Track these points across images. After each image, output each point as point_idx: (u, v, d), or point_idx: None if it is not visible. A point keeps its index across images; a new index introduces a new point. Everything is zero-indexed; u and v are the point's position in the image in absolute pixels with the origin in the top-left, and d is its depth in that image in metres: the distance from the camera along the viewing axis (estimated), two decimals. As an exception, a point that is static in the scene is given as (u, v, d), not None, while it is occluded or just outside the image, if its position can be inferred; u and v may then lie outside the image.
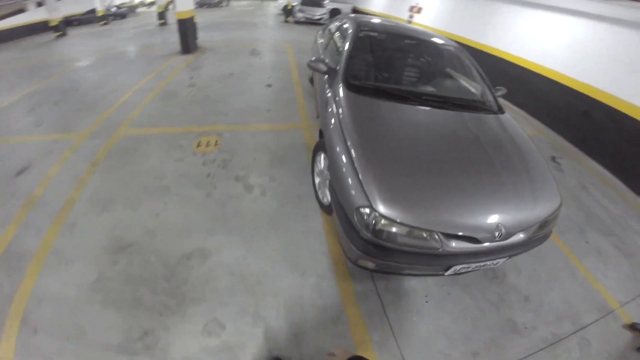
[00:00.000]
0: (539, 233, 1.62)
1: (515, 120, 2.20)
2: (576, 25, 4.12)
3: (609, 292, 2.05)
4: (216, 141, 3.10)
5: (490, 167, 1.67)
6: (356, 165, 1.53)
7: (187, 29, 6.60)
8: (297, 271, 1.90)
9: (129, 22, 13.81)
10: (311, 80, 4.49)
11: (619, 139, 3.47)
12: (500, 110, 2.24)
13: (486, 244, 1.46)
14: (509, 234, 1.48)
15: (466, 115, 2.05)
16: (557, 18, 4.40)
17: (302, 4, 12.49)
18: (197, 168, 2.72)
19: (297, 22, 12.45)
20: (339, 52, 2.65)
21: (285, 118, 3.69)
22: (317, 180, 2.38)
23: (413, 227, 1.38)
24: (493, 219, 1.46)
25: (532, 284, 2.02)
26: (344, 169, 1.58)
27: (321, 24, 12.41)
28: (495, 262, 1.57)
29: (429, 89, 2.42)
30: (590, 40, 3.91)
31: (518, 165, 1.75)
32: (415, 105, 2.04)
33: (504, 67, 5.15)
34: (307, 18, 12.10)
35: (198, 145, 3.04)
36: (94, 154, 2.86)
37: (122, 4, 18.64)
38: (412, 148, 1.68)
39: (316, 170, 2.36)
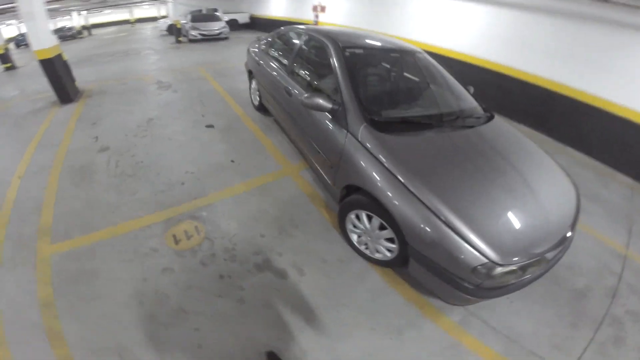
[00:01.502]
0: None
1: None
2: (476, 11, 5.26)
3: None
4: (196, 227, 2.50)
5: (524, 177, 1.85)
6: (450, 222, 1.51)
7: (57, 71, 5.12)
8: (393, 333, 1.89)
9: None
10: (260, 108, 4.18)
11: (527, 101, 4.77)
12: (492, 115, 2.44)
13: (560, 246, 1.66)
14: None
15: (480, 129, 2.19)
16: (459, 5, 5.50)
17: (193, 20, 11.61)
18: (199, 272, 2.15)
19: (193, 41, 11.46)
20: (323, 80, 2.54)
21: (260, 166, 3.27)
22: (354, 237, 2.26)
23: (527, 262, 1.50)
24: (560, 221, 1.70)
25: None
26: (432, 231, 1.55)
27: (223, 39, 11.83)
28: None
29: (441, 108, 2.48)
30: (494, 24, 5.09)
31: (539, 169, 2.02)
32: (442, 130, 2.08)
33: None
34: (204, 35, 11.27)
35: (176, 242, 2.37)
36: (34, 297, 1.93)
37: None
38: (470, 179, 1.73)
39: (350, 228, 2.24)
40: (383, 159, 1.78)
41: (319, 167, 2.51)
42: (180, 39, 11.61)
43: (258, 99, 4.16)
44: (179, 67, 7.51)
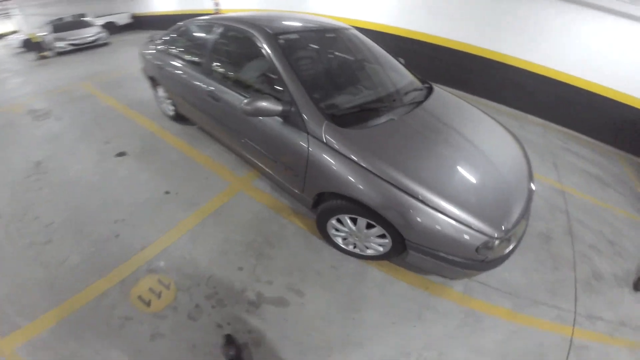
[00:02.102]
0: None
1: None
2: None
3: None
4: (159, 280, 2.00)
5: (480, 148, 1.92)
6: (444, 208, 1.50)
7: None
8: (413, 320, 1.93)
9: None
10: (178, 118, 3.59)
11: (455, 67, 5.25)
12: (431, 86, 2.54)
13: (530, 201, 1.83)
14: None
15: (428, 106, 2.19)
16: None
17: (56, 30, 9.62)
18: (193, 328, 1.77)
19: (62, 53, 9.45)
20: (257, 78, 2.23)
21: (203, 189, 2.76)
22: (339, 240, 2.15)
23: (515, 226, 1.60)
24: (521, 179, 1.87)
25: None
26: (429, 222, 1.53)
27: (102, 45, 10.12)
28: None
29: (389, 87, 2.40)
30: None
31: (488, 134, 2.19)
32: (397, 111, 2.03)
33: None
34: (76, 44, 9.38)
35: (147, 304, 1.87)
36: None
37: None
38: (440, 161, 1.74)
39: (334, 233, 2.11)
40: (356, 158, 1.65)
41: (277, 177, 2.25)
42: (45, 53, 9.46)
43: (172, 108, 3.52)
44: (55, 86, 5.98)
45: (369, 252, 2.05)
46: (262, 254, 2.16)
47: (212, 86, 2.40)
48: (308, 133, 1.78)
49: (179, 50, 3.00)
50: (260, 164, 2.36)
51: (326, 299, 1.95)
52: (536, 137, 4.28)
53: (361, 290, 2.02)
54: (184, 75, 2.75)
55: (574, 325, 2.06)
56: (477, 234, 1.48)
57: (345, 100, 2.04)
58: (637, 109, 4.59)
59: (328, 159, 1.72)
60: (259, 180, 2.82)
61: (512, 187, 1.76)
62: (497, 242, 1.51)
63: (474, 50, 5.06)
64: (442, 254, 1.60)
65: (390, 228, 1.68)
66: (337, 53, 2.65)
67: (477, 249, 1.51)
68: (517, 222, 1.59)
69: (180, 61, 2.88)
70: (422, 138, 1.85)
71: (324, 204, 1.94)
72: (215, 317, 1.82)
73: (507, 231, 1.52)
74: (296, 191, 2.11)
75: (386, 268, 2.16)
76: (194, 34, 2.90)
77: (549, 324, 2.03)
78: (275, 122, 1.95)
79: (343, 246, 2.15)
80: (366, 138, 1.74)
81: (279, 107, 1.78)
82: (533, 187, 1.91)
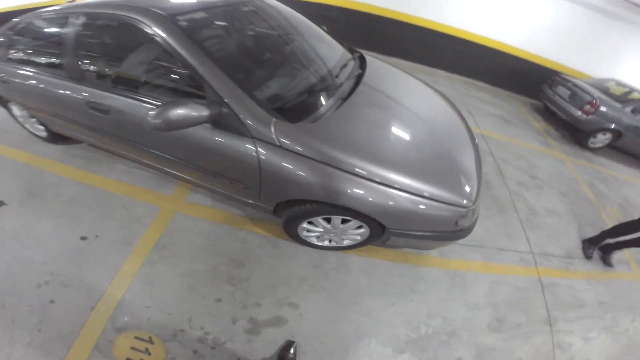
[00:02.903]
0: None
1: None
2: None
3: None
4: (137, 338, 1.54)
5: (424, 119, 1.97)
6: (420, 190, 1.49)
7: None
8: (408, 294, 1.95)
9: None
10: (53, 137, 2.62)
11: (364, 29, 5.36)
12: (362, 55, 2.46)
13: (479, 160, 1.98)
14: None
15: (368, 81, 2.05)
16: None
17: None
18: None
19: None
20: (154, 75, 1.75)
21: (129, 221, 2.11)
22: (314, 240, 1.98)
23: (478, 196, 1.68)
24: (465, 141, 1.97)
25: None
26: (408, 207, 1.50)
27: None
28: None
29: (327, 65, 2.13)
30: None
31: (425, 101, 2.24)
32: (341, 91, 1.86)
33: None
34: None
35: None
36: None
37: None
38: (397, 141, 1.71)
39: (306, 235, 1.93)
40: (324, 158, 1.45)
41: (221, 191, 1.91)
42: None
43: (42, 127, 2.61)
44: None
45: (347, 242, 1.95)
46: (234, 277, 1.84)
47: (90, 94, 1.81)
48: (253, 137, 1.46)
49: (26, 54, 2.16)
50: (193, 181, 1.95)
51: (321, 301, 1.84)
52: (447, 89, 4.76)
53: (351, 281, 1.98)
54: (42, 85, 2.01)
55: (536, 266, 2.49)
56: (455, 208, 1.53)
57: (287, 88, 1.74)
58: (523, 59, 5.76)
59: (288, 165, 1.46)
60: (194, 192, 2.35)
61: (467, 154, 1.84)
62: (471, 210, 1.58)
63: (384, 12, 5.27)
64: (422, 233, 1.64)
65: (368, 219, 1.61)
66: (259, 29, 2.26)
67: (456, 222, 1.58)
68: (479, 186, 1.71)
69: (31, 68, 2.08)
70: (377, 119, 1.76)
71: (290, 211, 1.72)
72: (220, 357, 1.56)
73: (476, 198, 1.62)
74: (250, 201, 1.83)
75: (365, 252, 2.15)
76: (43, 30, 2.08)
77: (517, 269, 2.41)
78: (203, 130, 1.53)
79: (319, 244, 2.01)
80: (325, 131, 1.54)
81: (204, 112, 1.35)
82: (477, 142, 2.07)
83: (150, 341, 1.56)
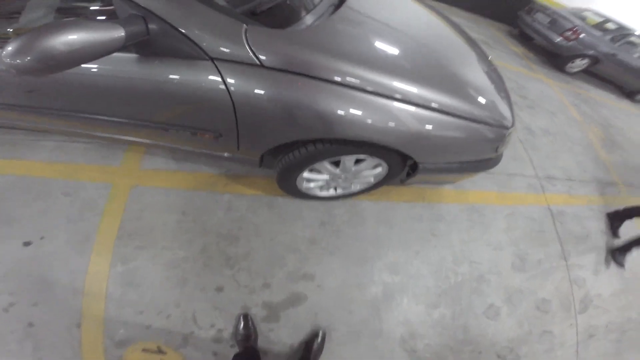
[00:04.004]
0: None
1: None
2: None
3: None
4: (144, 348, 1.21)
5: (425, 42, 1.48)
6: (462, 111, 1.18)
7: None
8: (430, 236, 1.82)
9: None
10: None
11: None
12: None
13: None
14: None
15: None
16: None
17: None
18: None
19: None
20: None
21: (77, 210, 1.53)
22: (317, 191, 1.64)
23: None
24: (480, 59, 1.60)
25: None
26: (452, 133, 1.19)
27: None
28: None
29: None
30: None
31: (417, 20, 1.79)
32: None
33: None
34: None
35: None
36: None
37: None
38: (420, 56, 1.31)
39: (307, 187, 1.56)
40: (331, 72, 1.02)
41: (184, 147, 1.39)
42: None
43: None
44: None
45: (357, 187, 1.64)
46: (230, 257, 1.47)
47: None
48: (212, 59, 0.96)
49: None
50: (142, 142, 1.41)
51: (339, 264, 1.56)
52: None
53: (367, 233, 1.71)
54: None
55: (544, 192, 2.44)
56: (499, 130, 1.27)
57: None
58: None
59: (277, 92, 1.00)
60: (150, 156, 1.78)
61: (492, 74, 1.51)
62: (511, 131, 1.33)
63: None
64: (458, 165, 1.36)
65: (390, 154, 1.28)
66: None
67: (497, 147, 1.33)
68: (512, 106, 1.45)
69: None
70: (385, 38, 1.31)
71: (286, 159, 1.31)
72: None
73: (513, 118, 1.36)
74: (225, 154, 1.36)
75: (376, 196, 1.87)
76: None
77: (528, 197, 2.34)
78: (127, 64, 1.00)
79: (322, 194, 1.66)
80: (322, 41, 1.09)
81: (115, 33, 0.78)
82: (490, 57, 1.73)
83: (161, 351, 1.22)
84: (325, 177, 1.46)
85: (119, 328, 1.24)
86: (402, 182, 1.55)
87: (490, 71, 1.50)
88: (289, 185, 1.50)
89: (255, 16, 1.06)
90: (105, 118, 1.22)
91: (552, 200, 2.39)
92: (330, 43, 1.10)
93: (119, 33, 0.79)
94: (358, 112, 1.04)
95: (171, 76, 0.99)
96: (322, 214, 1.71)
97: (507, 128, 1.28)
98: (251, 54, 0.95)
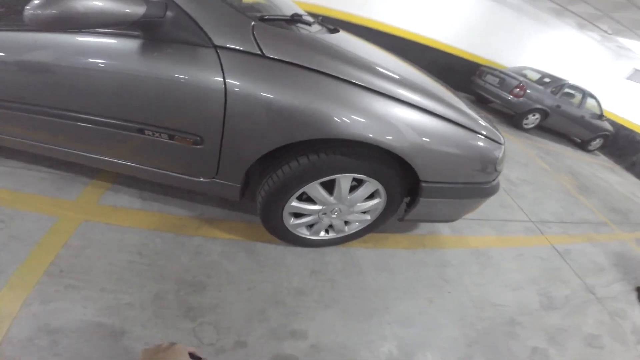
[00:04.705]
0: None
1: None
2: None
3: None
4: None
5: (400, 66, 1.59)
6: (458, 120, 1.17)
7: None
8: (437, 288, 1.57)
9: None
10: None
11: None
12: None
13: None
14: None
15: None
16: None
17: None
18: None
19: None
20: None
21: (12, 239, 1.27)
22: (304, 231, 1.41)
23: None
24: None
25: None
26: (452, 144, 1.16)
27: None
28: None
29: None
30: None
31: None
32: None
33: None
34: None
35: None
36: None
37: None
38: (407, 75, 1.39)
39: (294, 223, 1.33)
40: (333, 69, 1.01)
41: (155, 164, 1.21)
42: None
43: None
44: None
45: (351, 228, 1.43)
46: (192, 307, 1.09)
47: None
48: (216, 46, 0.94)
49: None
50: (107, 159, 1.22)
51: (337, 319, 1.21)
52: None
53: (368, 282, 1.42)
54: None
55: (543, 234, 2.37)
56: (494, 143, 1.25)
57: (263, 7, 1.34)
58: (451, 54, 6.17)
59: (273, 79, 0.96)
60: (112, 192, 1.50)
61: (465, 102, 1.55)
62: (503, 150, 1.32)
63: (310, 8, 5.11)
64: (460, 185, 1.28)
65: (387, 173, 1.18)
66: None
67: (495, 166, 1.29)
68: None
69: None
70: (372, 57, 1.35)
71: (271, 182, 1.13)
72: None
73: (502, 138, 1.35)
74: (201, 180, 1.18)
75: (371, 243, 1.63)
76: None
77: (529, 240, 2.26)
78: (125, 46, 0.95)
79: (313, 237, 1.41)
80: (317, 41, 1.14)
81: (139, 9, 0.82)
82: None
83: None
84: (316, 208, 1.24)
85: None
86: (401, 220, 1.41)
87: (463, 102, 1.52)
88: (274, 220, 1.27)
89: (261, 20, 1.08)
90: (83, 115, 1.06)
91: (554, 241, 2.28)
92: (332, 47, 1.16)
93: (141, 9, 0.83)
94: (359, 109, 1.00)
95: (170, 62, 0.94)
96: (311, 261, 1.41)
97: (500, 143, 1.28)
98: (255, 43, 0.96)
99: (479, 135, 1.19)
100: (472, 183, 1.31)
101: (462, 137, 1.16)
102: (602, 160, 6.18)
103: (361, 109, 1.00)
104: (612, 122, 6.56)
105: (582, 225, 2.71)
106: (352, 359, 1.09)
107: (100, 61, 0.95)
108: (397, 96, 1.05)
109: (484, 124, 1.25)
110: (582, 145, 6.10)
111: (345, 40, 1.43)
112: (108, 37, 0.95)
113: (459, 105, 1.26)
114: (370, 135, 1.00)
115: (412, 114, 1.06)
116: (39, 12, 0.72)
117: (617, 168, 6.05)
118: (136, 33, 0.93)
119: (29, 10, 0.72)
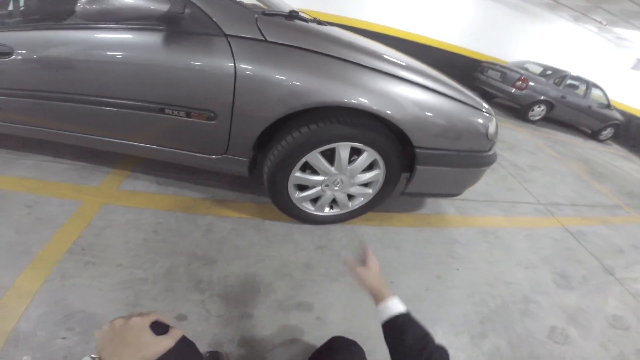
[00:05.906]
0: None
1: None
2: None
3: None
4: None
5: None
6: (447, 92, 1.29)
7: None
8: (444, 264, 1.57)
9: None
10: None
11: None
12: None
13: None
14: None
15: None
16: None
17: None
18: None
19: None
20: None
21: (38, 222, 1.14)
22: (309, 206, 1.47)
23: None
24: None
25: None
26: (443, 110, 1.28)
27: None
28: None
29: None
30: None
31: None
32: None
33: None
34: None
35: None
36: None
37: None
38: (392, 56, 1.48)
39: (299, 196, 1.39)
40: (332, 50, 1.18)
41: (171, 145, 1.34)
42: None
43: None
44: None
45: (355, 204, 1.47)
46: (201, 280, 1.10)
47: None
48: (226, 35, 1.12)
49: None
50: (129, 143, 1.37)
51: (344, 292, 1.21)
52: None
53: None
54: None
55: (554, 216, 2.30)
56: (483, 113, 1.35)
57: None
58: (452, 52, 6.15)
59: (275, 58, 1.14)
60: (131, 179, 1.59)
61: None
62: (495, 121, 1.40)
63: (315, 15, 5.17)
64: (454, 153, 1.35)
65: (384, 143, 1.26)
66: None
67: (487, 133, 1.36)
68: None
69: None
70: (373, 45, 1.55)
71: (276, 153, 1.22)
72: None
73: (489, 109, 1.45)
74: (213, 157, 1.29)
75: (376, 221, 1.64)
76: None
77: (540, 221, 2.19)
78: (150, 36, 1.15)
79: (317, 213, 1.45)
80: (314, 27, 1.32)
81: (162, 7, 1.01)
82: None
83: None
84: (319, 178, 1.29)
85: (23, 354, 0.81)
86: (402, 194, 1.46)
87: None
88: (280, 194, 1.32)
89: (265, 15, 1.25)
90: (114, 100, 1.23)
91: (567, 223, 2.19)
92: (323, 31, 1.31)
93: (164, 7, 1.02)
94: (344, 79, 1.15)
95: (190, 49, 1.14)
96: (318, 238, 1.42)
97: (488, 112, 1.38)
98: (258, 31, 1.13)
99: (465, 106, 1.30)
100: (467, 151, 1.37)
101: (450, 106, 1.27)
102: (616, 149, 5.97)
103: (347, 78, 1.15)
104: (624, 113, 6.37)
105: (596, 209, 2.59)
106: (358, 332, 1.06)
107: (131, 53, 1.15)
108: (383, 69, 1.19)
109: (469, 94, 1.36)
110: (593, 136, 5.93)
111: (336, 30, 1.58)
112: (139, 32, 1.14)
113: (444, 79, 1.37)
114: (358, 100, 1.14)
115: (398, 84, 1.19)
116: (87, 7, 0.94)
117: (632, 156, 5.83)
118: (161, 27, 1.12)
119: (79, 6, 0.94)
